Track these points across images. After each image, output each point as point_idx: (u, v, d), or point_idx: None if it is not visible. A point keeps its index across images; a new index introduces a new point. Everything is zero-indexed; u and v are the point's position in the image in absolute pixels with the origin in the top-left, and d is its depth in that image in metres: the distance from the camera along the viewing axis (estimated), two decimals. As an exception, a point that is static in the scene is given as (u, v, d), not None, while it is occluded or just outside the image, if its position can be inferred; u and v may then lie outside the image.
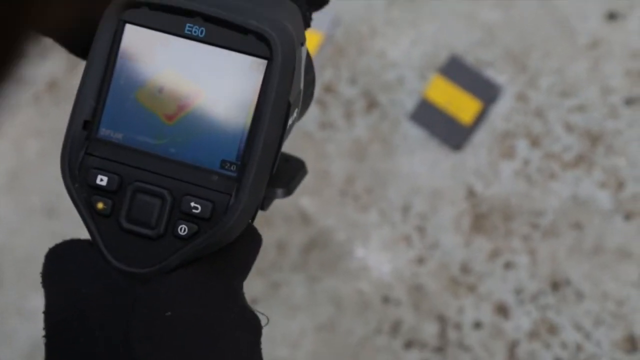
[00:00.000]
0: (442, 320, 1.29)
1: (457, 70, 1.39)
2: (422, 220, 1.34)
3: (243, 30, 0.50)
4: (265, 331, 1.30)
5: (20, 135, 1.46)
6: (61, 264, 0.52)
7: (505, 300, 1.28)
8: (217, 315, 0.52)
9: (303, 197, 1.37)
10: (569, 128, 1.34)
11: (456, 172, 1.35)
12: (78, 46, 0.55)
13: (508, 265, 1.30)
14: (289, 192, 0.59)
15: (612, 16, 1.37)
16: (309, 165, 1.40)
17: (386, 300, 1.31)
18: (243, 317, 0.54)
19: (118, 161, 0.51)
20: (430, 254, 1.32)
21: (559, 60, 1.37)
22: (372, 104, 1.41)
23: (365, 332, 1.30)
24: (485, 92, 1.37)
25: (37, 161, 1.43)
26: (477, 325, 1.28)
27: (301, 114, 0.57)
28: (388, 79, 1.41)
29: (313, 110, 1.41)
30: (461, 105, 1.37)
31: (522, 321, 1.27)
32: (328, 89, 1.43)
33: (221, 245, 0.52)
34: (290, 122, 0.52)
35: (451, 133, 1.36)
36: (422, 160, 1.37)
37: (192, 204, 0.50)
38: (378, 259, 1.33)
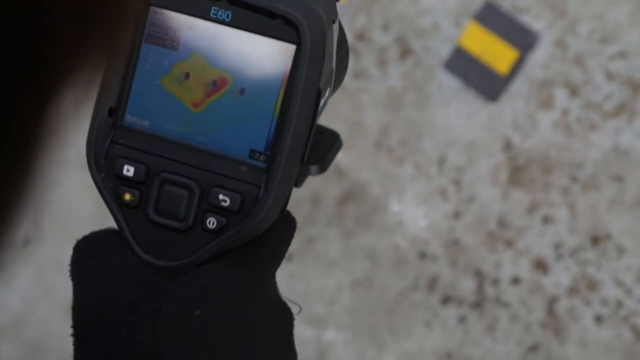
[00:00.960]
0: (479, 275, 1.26)
1: (492, 17, 1.32)
2: (458, 173, 1.30)
3: (270, 14, 0.47)
4: (301, 288, 1.29)
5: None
6: (89, 257, 0.51)
7: (544, 255, 1.25)
8: (247, 311, 0.50)
9: (336, 150, 1.33)
10: (610, 76, 1.28)
11: (493, 123, 1.30)
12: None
13: (547, 219, 1.26)
14: (323, 168, 0.56)
15: (655, -43, 1.30)
16: (343, 116, 1.36)
17: (422, 255, 1.28)
18: (274, 310, 0.52)
19: (145, 150, 0.49)
20: (467, 207, 1.28)
21: (599, 5, 1.31)
22: (406, 52, 1.35)
23: (401, 288, 1.28)
24: (522, 39, 1.31)
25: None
26: (515, 280, 1.25)
27: (334, 89, 0.54)
28: (422, 25, 1.36)
29: (345, 59, 1.36)
30: (497, 54, 1.31)
31: (561, 277, 1.24)
32: (361, 36, 1.37)
33: (251, 237, 0.50)
34: (322, 103, 0.50)
35: (487, 83, 1.31)
36: (457, 111, 1.32)
37: (221, 197, 0.48)
38: (413, 213, 1.30)
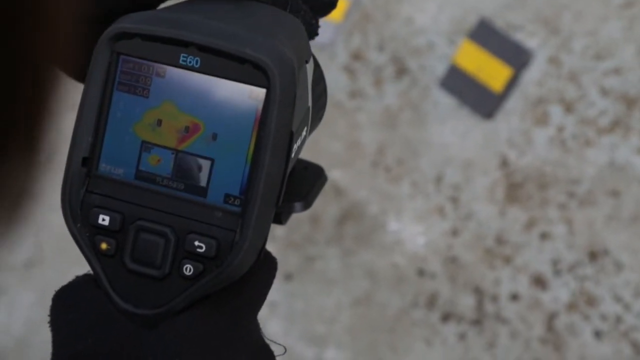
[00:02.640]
0: (478, 292, 1.24)
1: (486, 35, 1.30)
2: (455, 190, 1.28)
3: (239, 59, 0.46)
4: (301, 308, 1.26)
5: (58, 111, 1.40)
6: (68, 308, 0.49)
7: (542, 271, 1.23)
8: (227, 358, 0.48)
9: (335, 169, 1.31)
10: (604, 92, 1.26)
11: (488, 141, 1.28)
12: (75, 69, 0.52)
13: (544, 236, 1.23)
14: (307, 205, 0.54)
15: (646, -27, 1.28)
16: (340, 135, 1.34)
17: (421, 273, 1.26)
18: (255, 355, 0.50)
19: (119, 198, 0.48)
20: (465, 225, 1.26)
21: (592, 22, 1.29)
22: (401, 70, 1.33)
23: (401, 306, 1.25)
24: (516, 57, 1.29)
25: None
26: (514, 297, 1.23)
27: (313, 127, 0.53)
28: (417, 44, 1.34)
29: (342, 79, 1.34)
30: (491, 72, 1.29)
31: (560, 292, 1.21)
32: (357, 56, 1.35)
33: (229, 282, 0.48)
34: (298, 143, 0.49)
35: (482, 101, 1.29)
36: (453, 130, 1.30)
37: (196, 243, 0.47)
38: (412, 232, 1.27)
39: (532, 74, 1.28)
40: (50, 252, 1.34)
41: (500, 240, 1.24)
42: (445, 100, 1.30)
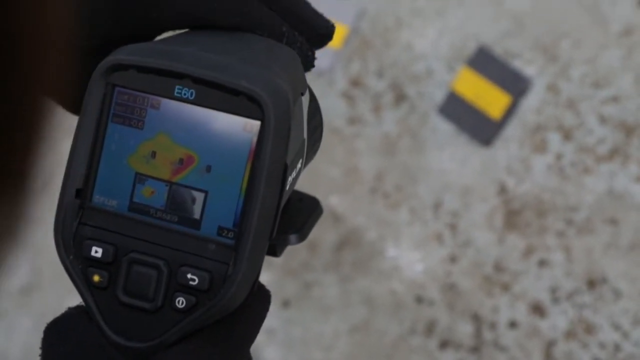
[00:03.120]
0: (476, 319, 1.23)
1: (485, 62, 1.30)
2: (453, 217, 1.27)
3: (233, 91, 0.45)
4: (298, 335, 1.25)
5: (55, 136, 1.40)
6: (59, 341, 0.49)
7: (540, 298, 1.22)
8: None
9: (333, 196, 1.30)
10: (603, 120, 1.26)
11: (487, 168, 1.27)
12: (69, 101, 0.51)
13: (543, 263, 1.23)
14: (302, 237, 0.54)
15: (644, 2, 1.28)
16: (339, 161, 1.33)
17: (419, 300, 1.25)
18: None
19: (113, 230, 0.48)
20: (463, 252, 1.25)
21: (590, 49, 1.28)
22: (400, 97, 1.33)
23: (399, 333, 1.24)
24: (514, 84, 1.28)
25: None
26: (513, 324, 1.22)
27: (309, 159, 0.52)
28: (416, 70, 1.33)
29: (341, 105, 1.34)
30: (490, 99, 1.29)
31: (558, 320, 1.20)
32: (356, 82, 1.35)
33: (222, 315, 0.48)
34: (293, 176, 0.48)
35: (480, 128, 1.28)
36: (451, 156, 1.29)
37: (189, 276, 0.46)
38: (410, 258, 1.27)
39: (531, 101, 1.28)
40: (48, 278, 1.33)
41: (498, 268, 1.23)
42: (444, 127, 1.30)
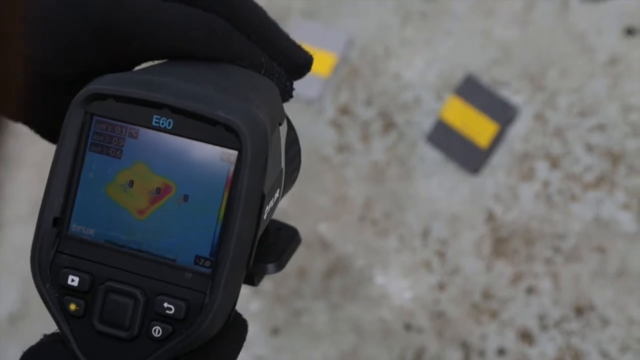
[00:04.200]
0: (465, 347, 1.22)
1: (472, 91, 1.30)
2: (442, 245, 1.26)
3: (211, 121, 0.45)
4: (288, 362, 1.24)
5: (42, 161, 1.39)
6: None
7: (528, 326, 1.21)
8: None
9: (322, 223, 1.30)
10: (589, 148, 1.26)
11: (475, 196, 1.27)
12: (47, 129, 0.51)
13: (530, 290, 1.22)
14: (280, 266, 0.53)
15: (630, 32, 1.28)
16: (328, 189, 1.33)
17: (408, 327, 1.24)
18: None
19: (89, 259, 0.47)
20: (451, 279, 1.25)
21: (577, 79, 1.28)
22: (388, 125, 1.32)
23: (388, 361, 1.23)
24: (502, 113, 1.28)
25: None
26: (501, 352, 1.21)
27: (286, 189, 0.52)
28: (404, 99, 1.33)
29: (330, 133, 1.34)
30: (477, 127, 1.28)
31: (546, 347, 1.20)
32: (344, 111, 1.34)
33: (198, 344, 0.47)
34: (271, 205, 0.48)
35: (468, 156, 1.28)
36: (440, 184, 1.29)
37: (166, 305, 0.46)
38: (398, 286, 1.26)
39: (518, 129, 1.28)
40: (36, 307, 1.32)
41: (486, 295, 1.23)
42: (432, 155, 1.29)
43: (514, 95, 1.28)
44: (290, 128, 0.51)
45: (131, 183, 0.47)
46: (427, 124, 1.31)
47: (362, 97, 1.34)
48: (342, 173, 1.31)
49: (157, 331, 0.46)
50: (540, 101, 1.28)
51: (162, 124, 0.46)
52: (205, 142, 0.46)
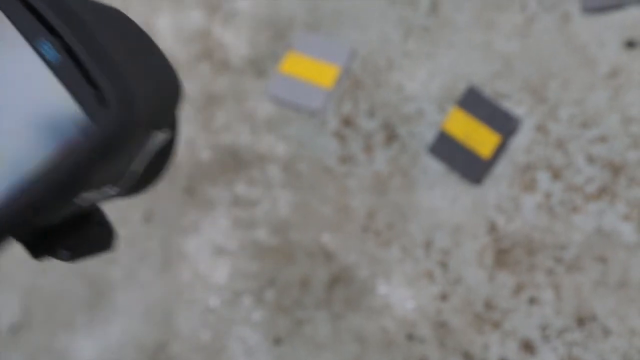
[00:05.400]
0: (467, 357, 1.21)
1: (475, 103, 1.30)
2: (444, 255, 1.26)
3: (94, 84, 0.41)
4: (291, 372, 1.23)
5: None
6: None
7: (530, 336, 1.20)
8: None
9: (325, 234, 1.29)
10: (591, 159, 1.25)
11: (477, 207, 1.27)
12: None
13: (532, 301, 1.22)
14: (71, 259, 0.47)
15: (631, 44, 1.28)
16: (331, 200, 1.33)
17: (411, 337, 1.24)
18: None
19: None
20: (454, 289, 1.24)
21: (578, 91, 1.28)
22: (391, 137, 1.32)
23: (390, 370, 1.23)
24: (504, 124, 1.28)
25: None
26: (503, 362, 1.20)
27: (131, 192, 0.48)
28: (407, 111, 1.33)
29: (333, 144, 1.33)
30: (480, 138, 1.28)
31: (548, 358, 1.19)
32: (347, 122, 1.34)
33: None
34: (92, 196, 0.43)
35: (471, 167, 1.28)
36: (442, 195, 1.28)
37: None
38: (401, 296, 1.26)
39: (520, 141, 1.27)
40: (38, 317, 1.32)
41: (489, 305, 1.22)
42: (435, 166, 1.29)
43: (515, 107, 1.28)
44: (171, 143, 0.47)
45: None
46: (429, 135, 1.30)
47: (364, 109, 1.34)
48: (345, 184, 1.31)
49: None
50: (542, 113, 1.28)
51: (48, 52, 0.41)
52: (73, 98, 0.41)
